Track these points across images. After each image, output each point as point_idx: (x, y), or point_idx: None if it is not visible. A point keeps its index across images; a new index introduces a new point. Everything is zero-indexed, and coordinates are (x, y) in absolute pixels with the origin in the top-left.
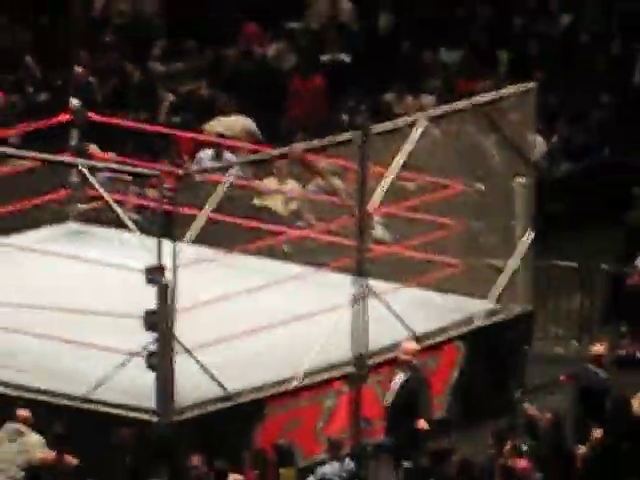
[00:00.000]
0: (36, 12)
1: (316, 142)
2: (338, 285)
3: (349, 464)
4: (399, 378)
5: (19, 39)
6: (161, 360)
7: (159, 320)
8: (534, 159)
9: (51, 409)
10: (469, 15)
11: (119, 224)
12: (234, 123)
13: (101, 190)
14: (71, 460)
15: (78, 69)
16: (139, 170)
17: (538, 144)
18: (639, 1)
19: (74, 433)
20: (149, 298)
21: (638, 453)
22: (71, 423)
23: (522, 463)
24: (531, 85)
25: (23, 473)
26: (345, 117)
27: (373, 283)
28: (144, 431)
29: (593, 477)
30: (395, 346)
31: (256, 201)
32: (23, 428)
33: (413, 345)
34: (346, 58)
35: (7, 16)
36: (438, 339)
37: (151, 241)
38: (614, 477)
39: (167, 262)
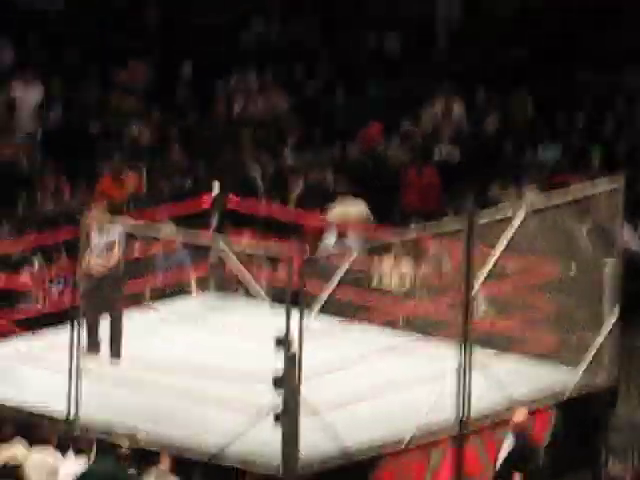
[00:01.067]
0: (184, 110)
1: (428, 227)
2: (445, 354)
3: None
4: (509, 441)
5: (169, 133)
6: (288, 420)
7: (287, 383)
8: (622, 244)
9: (189, 462)
10: (566, 117)
11: (252, 296)
12: (355, 207)
13: (238, 266)
14: None
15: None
16: (272, 251)
17: (628, 233)
18: None
19: None
20: (279, 363)
21: None
22: (205, 473)
23: None
24: (619, 178)
25: None
26: (456, 206)
27: (477, 353)
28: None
29: None
30: (496, 411)
31: (375, 281)
32: (164, 475)
33: (524, 412)
34: (456, 155)
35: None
36: (535, 405)
37: (281, 311)
38: None
39: (295, 332)
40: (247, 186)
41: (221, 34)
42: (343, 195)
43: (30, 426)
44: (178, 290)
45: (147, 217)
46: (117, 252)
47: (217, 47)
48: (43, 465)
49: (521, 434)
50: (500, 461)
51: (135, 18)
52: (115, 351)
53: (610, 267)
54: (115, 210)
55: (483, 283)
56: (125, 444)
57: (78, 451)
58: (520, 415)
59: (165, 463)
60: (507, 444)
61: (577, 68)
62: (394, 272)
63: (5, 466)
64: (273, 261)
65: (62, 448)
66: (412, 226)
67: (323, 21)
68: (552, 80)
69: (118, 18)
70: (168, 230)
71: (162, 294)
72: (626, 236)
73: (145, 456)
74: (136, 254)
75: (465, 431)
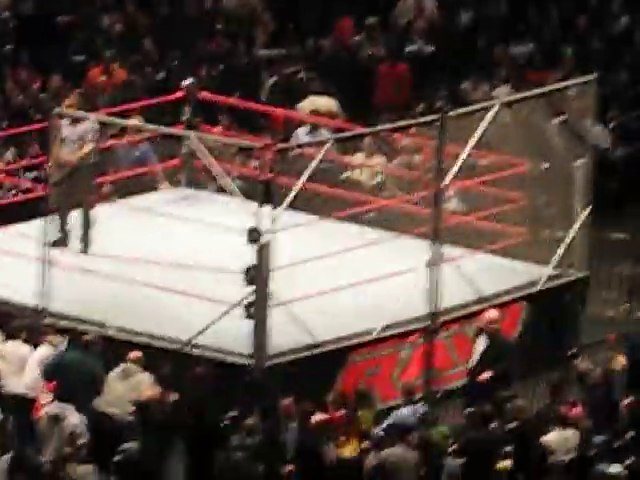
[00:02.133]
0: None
1: (400, 122)
2: (416, 250)
3: (421, 408)
4: (481, 342)
5: (141, 25)
6: (258, 311)
7: (258, 275)
8: (593, 143)
9: (159, 352)
10: (539, 14)
11: (224, 190)
12: (324, 102)
13: (210, 160)
14: (172, 396)
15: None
16: (244, 143)
17: (598, 131)
18: None
19: (177, 373)
20: (249, 256)
21: None
22: (175, 364)
23: (575, 410)
24: (591, 77)
25: (133, 408)
26: (426, 102)
27: (447, 249)
28: (230, 372)
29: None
30: (466, 306)
31: (345, 174)
32: (134, 368)
33: (495, 314)
34: (428, 50)
35: (132, 5)
36: (504, 299)
37: (252, 206)
38: None
39: (266, 225)
40: (221, 79)
41: None
42: (313, 91)
43: (2, 317)
44: (146, 184)
45: (122, 110)
46: (88, 144)
47: None
48: (13, 353)
49: (492, 332)
50: (474, 360)
51: None
52: (84, 243)
53: (580, 163)
54: (89, 101)
55: (454, 179)
56: (93, 333)
57: (48, 341)
58: (491, 313)
59: (134, 355)
60: (480, 344)
61: None
62: (366, 167)
63: None
64: (245, 154)
65: (32, 338)
66: (385, 122)
67: None
68: None
69: None
70: (137, 124)
71: (129, 188)
72: (596, 133)
73: (114, 348)
74: (105, 147)
75: (434, 325)
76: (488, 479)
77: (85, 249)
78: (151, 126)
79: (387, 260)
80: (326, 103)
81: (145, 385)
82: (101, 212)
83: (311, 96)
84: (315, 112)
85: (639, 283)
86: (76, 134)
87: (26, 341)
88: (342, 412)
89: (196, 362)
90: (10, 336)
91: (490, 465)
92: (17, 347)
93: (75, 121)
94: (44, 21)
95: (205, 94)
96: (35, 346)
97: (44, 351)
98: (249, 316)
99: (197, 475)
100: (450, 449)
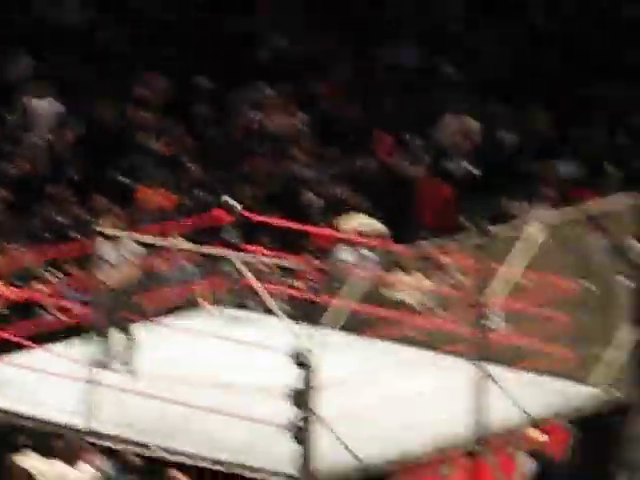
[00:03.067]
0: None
1: (442, 241)
2: (460, 369)
3: None
4: (528, 463)
5: (184, 147)
6: (303, 432)
7: (303, 397)
8: (636, 262)
9: (204, 472)
10: (583, 133)
11: (268, 311)
12: (366, 223)
13: (254, 280)
14: None
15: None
16: (288, 263)
17: None
18: None
19: None
20: (294, 377)
21: None
22: None
23: None
24: (636, 194)
25: None
26: (470, 222)
27: (491, 368)
28: None
29: None
30: (511, 427)
31: (387, 292)
32: None
33: (539, 435)
34: (473, 170)
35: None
36: (551, 421)
37: (297, 327)
38: None
39: (311, 346)
40: (265, 200)
41: (237, 48)
42: (355, 210)
43: (43, 437)
44: (190, 304)
45: (164, 231)
46: (131, 265)
47: (234, 61)
48: (55, 475)
49: (538, 455)
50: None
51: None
52: (127, 363)
53: (624, 283)
54: (132, 222)
55: (497, 297)
56: (135, 454)
57: (89, 462)
58: (537, 435)
59: (174, 475)
60: (525, 466)
61: (593, 82)
62: (408, 287)
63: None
64: (289, 275)
65: (74, 458)
66: (428, 241)
67: (339, 36)
68: (569, 95)
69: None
70: (178, 242)
71: (173, 308)
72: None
73: (156, 469)
74: (147, 268)
75: (479, 447)
76: None
77: (128, 369)
78: (195, 245)
79: (431, 379)
80: (368, 222)
81: None
82: (143, 332)
83: (354, 215)
84: (356, 230)
85: None
86: (118, 254)
87: (67, 460)
88: None
89: None
90: (53, 457)
91: None
92: (59, 468)
93: (116, 241)
94: (90, 145)
95: (248, 214)
96: (73, 465)
97: (86, 473)
98: (295, 439)
99: None
100: None
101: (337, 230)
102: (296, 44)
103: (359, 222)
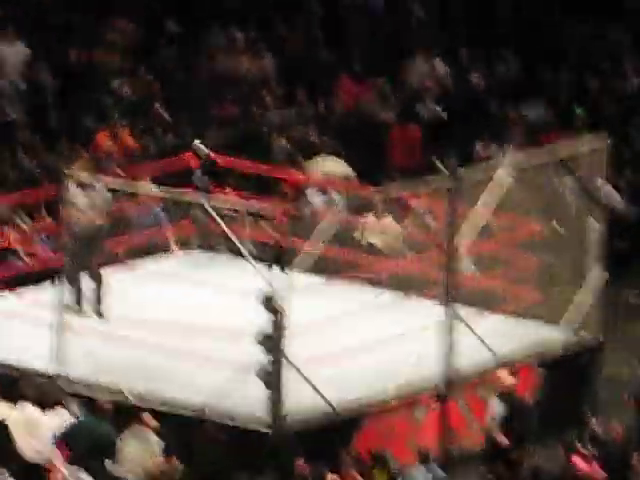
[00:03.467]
0: (168, 67)
1: (412, 184)
2: (429, 311)
3: (436, 470)
4: (496, 405)
5: (151, 90)
6: (274, 376)
7: (273, 341)
8: (605, 201)
9: (173, 417)
10: (551, 76)
11: (236, 253)
12: (335, 166)
13: (222, 223)
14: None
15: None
16: (257, 206)
17: (610, 190)
18: None
19: (191, 438)
20: (263, 320)
21: None
22: (189, 429)
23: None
24: (603, 137)
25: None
26: (438, 163)
27: (460, 310)
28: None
29: None
30: (481, 370)
31: (356, 235)
32: (147, 432)
33: (509, 377)
34: (441, 112)
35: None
36: (519, 362)
37: (265, 269)
38: None
39: (279, 289)
40: (232, 142)
41: None
42: (324, 153)
43: (14, 381)
44: (158, 248)
45: (132, 174)
46: (99, 209)
47: (202, 4)
48: (26, 420)
49: (508, 395)
50: (489, 422)
51: None
52: (97, 308)
53: (593, 224)
54: (98, 166)
55: (467, 240)
56: (106, 399)
57: (60, 406)
58: (505, 377)
59: (146, 420)
60: (495, 407)
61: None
62: (377, 229)
63: None
64: (256, 218)
65: (45, 403)
66: (396, 184)
67: None
68: (537, 34)
69: None
70: (148, 187)
71: (142, 252)
72: (608, 193)
73: (127, 412)
74: (116, 212)
75: (449, 388)
76: None
77: (98, 313)
78: (162, 190)
79: (400, 322)
80: (337, 165)
81: (157, 449)
82: (114, 276)
83: (320, 157)
84: (325, 173)
85: None
86: (86, 198)
87: (38, 405)
88: (358, 474)
89: (211, 427)
90: (23, 402)
91: None
92: (30, 413)
93: (85, 185)
94: (57, 88)
95: (216, 157)
96: (45, 411)
97: (57, 417)
98: (265, 382)
99: None
100: None
101: (306, 173)
102: None
103: (327, 165)
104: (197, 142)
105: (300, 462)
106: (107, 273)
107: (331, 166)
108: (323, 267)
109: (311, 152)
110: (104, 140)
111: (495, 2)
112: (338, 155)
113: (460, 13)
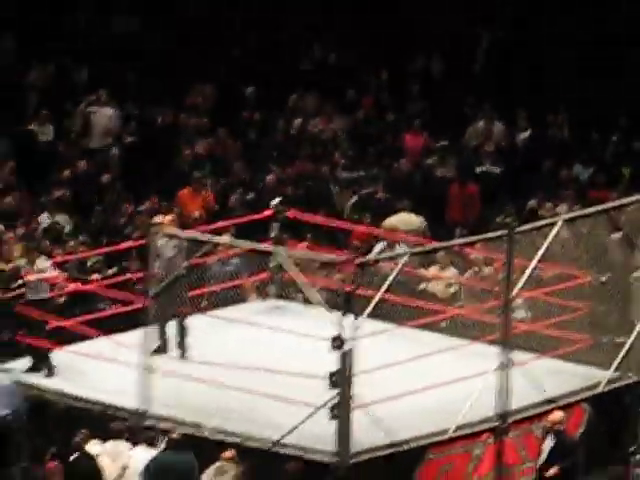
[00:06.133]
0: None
1: (471, 238)
2: (488, 355)
3: None
4: (548, 441)
5: (230, 149)
6: (342, 412)
7: (341, 379)
8: None
9: (250, 451)
10: (599, 138)
11: (310, 302)
12: (410, 220)
13: (297, 273)
14: None
15: (272, 176)
16: (327, 257)
17: None
18: None
19: (268, 471)
20: (333, 362)
21: None
22: (266, 463)
23: None
24: None
25: None
26: (496, 219)
27: (515, 354)
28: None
29: None
30: (534, 407)
31: (422, 286)
32: (228, 466)
33: (561, 414)
34: (497, 170)
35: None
36: (569, 401)
37: (336, 316)
38: None
39: (348, 333)
40: (307, 199)
41: (282, 58)
42: (398, 210)
43: (103, 420)
44: (238, 296)
45: (214, 228)
46: (181, 261)
47: (279, 70)
48: (116, 456)
49: (558, 432)
50: (541, 459)
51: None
52: (181, 351)
53: (638, 274)
54: (185, 222)
55: (521, 289)
56: (189, 434)
57: (147, 442)
58: (556, 414)
59: (228, 453)
60: (547, 443)
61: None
62: (440, 279)
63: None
64: (328, 268)
65: (133, 440)
66: (457, 237)
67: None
68: (586, 101)
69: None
70: (228, 241)
71: (223, 300)
72: None
73: (209, 448)
74: (196, 262)
75: (505, 425)
76: None
77: (182, 356)
78: (242, 242)
79: (460, 365)
80: (415, 220)
81: None
82: (196, 322)
83: (401, 214)
84: (395, 229)
85: None
86: (171, 250)
87: (127, 441)
88: None
89: (285, 460)
90: (113, 437)
91: None
92: (120, 449)
93: (170, 238)
94: (144, 149)
95: (292, 212)
96: (135, 444)
97: (144, 452)
98: (334, 417)
99: None
100: None
101: (375, 228)
102: (335, 56)
103: (400, 219)
104: (275, 200)
105: None
106: (190, 319)
107: (404, 220)
108: (390, 315)
109: (379, 209)
110: (188, 197)
111: (544, 70)
112: (410, 210)
113: (515, 78)
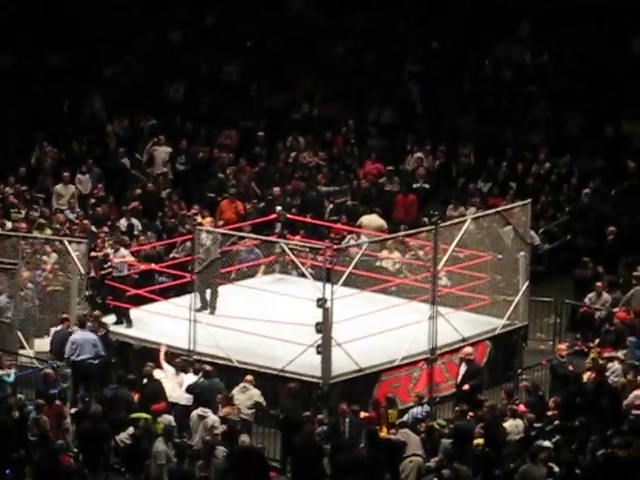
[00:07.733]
0: (257, 159)
1: (410, 231)
2: (422, 309)
3: (427, 408)
4: (463, 366)
5: (248, 173)
6: (324, 350)
7: (324, 327)
8: (530, 242)
9: (263, 375)
10: (494, 163)
11: (302, 275)
12: (376, 220)
13: (293, 256)
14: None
15: (276, 190)
16: (314, 245)
17: (532, 234)
18: None
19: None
20: (318, 315)
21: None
22: (272, 384)
23: (521, 408)
24: (528, 202)
25: (250, 412)
26: (425, 219)
27: (440, 309)
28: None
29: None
30: (453, 344)
31: (377, 263)
32: (249, 385)
33: (471, 349)
34: (427, 186)
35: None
36: (477, 340)
37: (320, 285)
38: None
39: (328, 295)
40: (300, 206)
41: (280, 113)
42: (366, 213)
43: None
44: (255, 272)
45: (239, 227)
46: (216, 249)
47: (278, 122)
48: (172, 378)
49: (469, 360)
50: (459, 379)
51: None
52: (213, 309)
53: (523, 255)
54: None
55: (444, 265)
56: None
57: (194, 371)
58: (468, 349)
59: (249, 377)
60: (462, 368)
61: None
62: (389, 258)
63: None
64: (314, 252)
65: (182, 369)
66: (401, 230)
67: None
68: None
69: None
70: (249, 235)
71: (245, 275)
72: (531, 236)
73: (235, 374)
74: (226, 249)
75: (434, 356)
76: (468, 452)
77: (213, 312)
78: (255, 236)
79: (404, 316)
80: (377, 220)
81: (256, 396)
82: (225, 290)
83: (371, 215)
84: (369, 226)
85: (559, 329)
86: (209, 241)
87: (182, 370)
88: (378, 411)
89: (287, 381)
90: (173, 367)
91: (470, 443)
92: (174, 373)
93: (208, 233)
94: (191, 174)
95: (290, 216)
96: (184, 372)
97: (190, 377)
98: (319, 353)
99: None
100: (445, 433)
101: (350, 226)
102: (317, 111)
103: (370, 219)
104: (279, 207)
105: (342, 404)
106: (221, 288)
107: (372, 220)
108: (356, 283)
109: (349, 213)
110: (225, 205)
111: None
112: (375, 213)
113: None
